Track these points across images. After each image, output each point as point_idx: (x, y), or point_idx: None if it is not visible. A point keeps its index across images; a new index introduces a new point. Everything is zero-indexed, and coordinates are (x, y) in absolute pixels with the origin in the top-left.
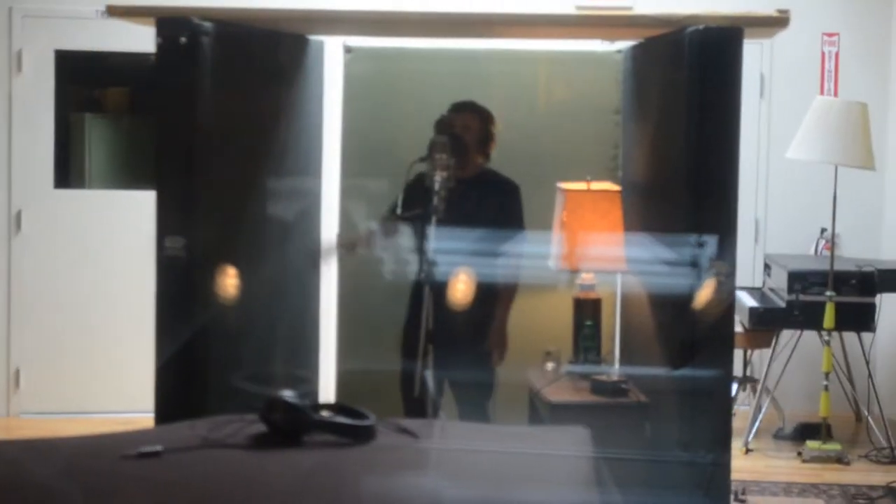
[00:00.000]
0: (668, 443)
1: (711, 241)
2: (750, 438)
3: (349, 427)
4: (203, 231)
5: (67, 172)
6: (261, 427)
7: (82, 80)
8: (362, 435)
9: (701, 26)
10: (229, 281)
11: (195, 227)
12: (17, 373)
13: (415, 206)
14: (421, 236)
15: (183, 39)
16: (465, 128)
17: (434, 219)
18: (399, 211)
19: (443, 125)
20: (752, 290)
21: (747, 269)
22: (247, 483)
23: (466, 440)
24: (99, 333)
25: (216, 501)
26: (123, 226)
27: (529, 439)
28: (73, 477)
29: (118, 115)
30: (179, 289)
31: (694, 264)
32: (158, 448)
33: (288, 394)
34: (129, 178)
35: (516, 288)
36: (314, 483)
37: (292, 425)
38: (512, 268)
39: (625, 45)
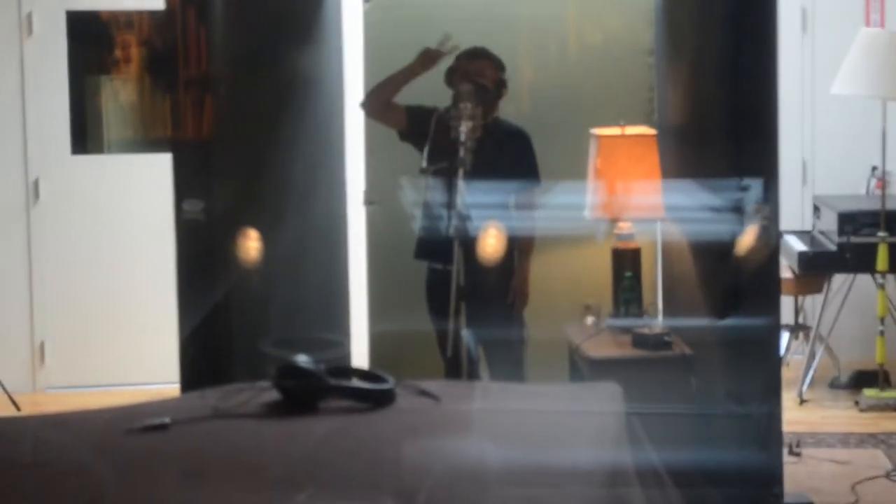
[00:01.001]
0: (715, 396)
1: (753, 184)
2: (804, 389)
3: (366, 391)
4: (222, 193)
5: (85, 138)
6: (274, 394)
7: (96, 40)
8: (381, 399)
9: None
10: (251, 244)
11: (213, 188)
12: (42, 346)
13: (441, 158)
14: (449, 190)
15: None
16: (480, 75)
17: (461, 171)
18: (424, 164)
19: (455, 74)
20: (801, 234)
21: (795, 212)
22: (259, 453)
23: (490, 401)
24: (124, 303)
25: (226, 473)
26: (145, 191)
27: (557, 397)
28: (74, 453)
29: (135, 75)
30: (200, 254)
31: (736, 209)
32: (166, 420)
33: (301, 358)
34: (148, 141)
35: (534, 239)
36: (330, 450)
37: (306, 392)
38: (529, 218)
39: None
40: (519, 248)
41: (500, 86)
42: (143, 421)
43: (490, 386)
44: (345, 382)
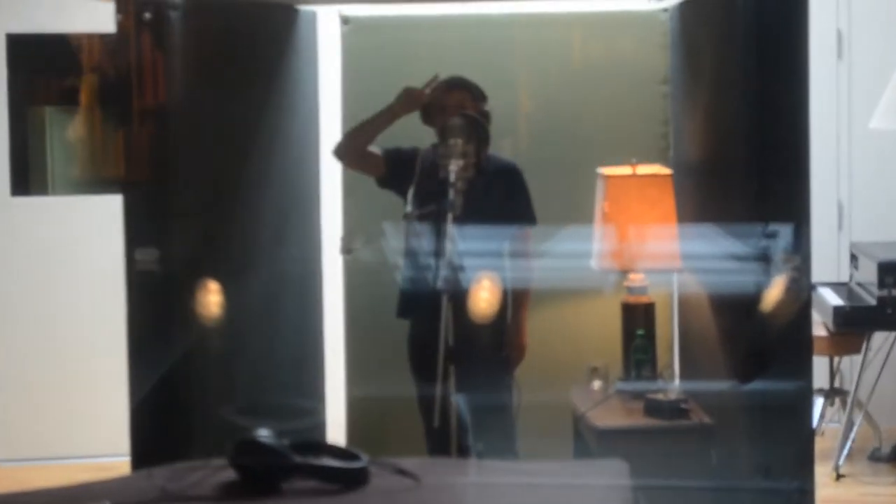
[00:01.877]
0: (738, 470)
1: (782, 230)
2: (841, 461)
3: (336, 470)
4: (179, 240)
5: (27, 177)
6: (231, 474)
7: (40, 67)
8: (352, 479)
9: None
10: (213, 297)
11: (170, 235)
12: None
13: (427, 201)
14: (437, 236)
15: (147, 15)
16: (458, 108)
17: (451, 216)
18: (409, 209)
19: (431, 108)
20: (836, 286)
21: (830, 262)
22: None
23: (475, 482)
24: (71, 365)
25: None
26: (94, 237)
27: (555, 475)
28: None
29: (83, 107)
30: (154, 308)
31: (762, 258)
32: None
33: (262, 432)
34: (98, 181)
35: (529, 289)
36: None
37: (267, 471)
38: (525, 265)
39: (672, 2)
40: (514, 298)
41: (484, 117)
42: None
43: (477, 463)
44: (312, 460)
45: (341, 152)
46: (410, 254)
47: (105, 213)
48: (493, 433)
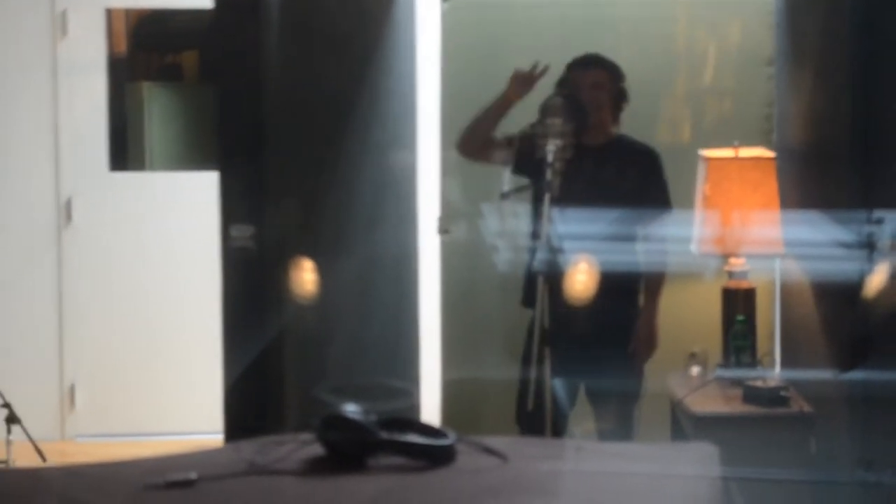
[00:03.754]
0: (838, 462)
1: (889, 217)
2: None
3: (422, 447)
4: (275, 218)
5: (125, 152)
6: (318, 449)
7: (140, 43)
8: (439, 457)
9: None
10: (307, 276)
11: (265, 213)
12: (72, 389)
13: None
14: (534, 217)
15: None
16: (596, 87)
17: (548, 196)
18: (505, 188)
19: (567, 85)
20: None
21: None
22: None
23: (563, 462)
24: (164, 342)
25: None
26: (191, 213)
27: (640, 458)
28: None
29: (183, 83)
30: (249, 286)
31: (867, 245)
32: (192, 476)
33: (350, 408)
34: (196, 157)
35: (664, 276)
36: None
37: (354, 446)
38: (658, 253)
39: None
40: (647, 286)
41: (620, 97)
42: (166, 476)
43: (564, 444)
44: (398, 437)
45: (465, 148)
46: (511, 235)
47: (202, 190)
48: (609, 420)
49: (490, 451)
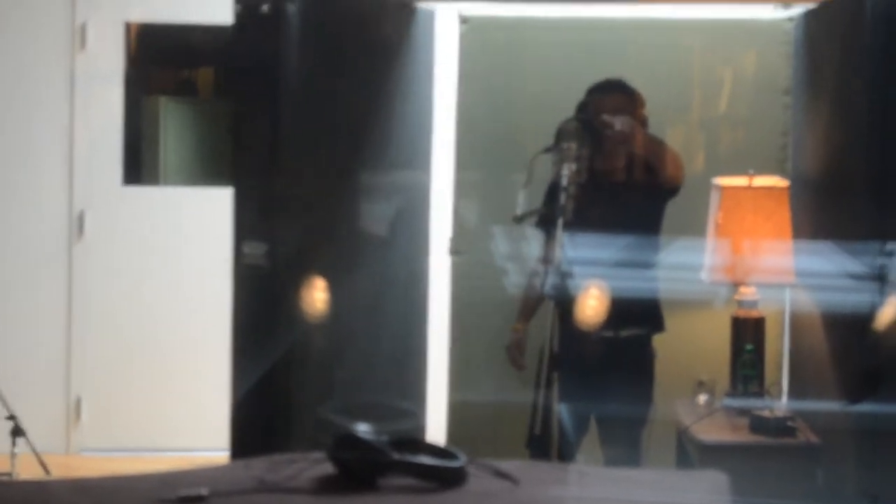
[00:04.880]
0: (843, 493)
1: None
2: None
3: (434, 469)
4: (288, 235)
5: (139, 166)
6: (329, 468)
7: (157, 57)
8: (450, 479)
9: None
10: (319, 294)
11: (279, 230)
12: (79, 403)
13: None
14: (546, 242)
15: (265, 8)
16: (617, 112)
17: (561, 221)
18: (519, 212)
19: (587, 110)
20: None
21: None
22: None
23: (575, 487)
24: (174, 356)
25: None
26: (204, 229)
27: (653, 485)
28: None
29: (199, 99)
30: (260, 303)
31: (879, 277)
32: (202, 491)
33: (362, 428)
34: (210, 172)
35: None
36: None
37: (366, 466)
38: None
39: (798, 10)
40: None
41: (642, 124)
42: (177, 491)
43: (577, 469)
44: (410, 458)
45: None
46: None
47: (216, 205)
48: (615, 445)
49: (501, 475)
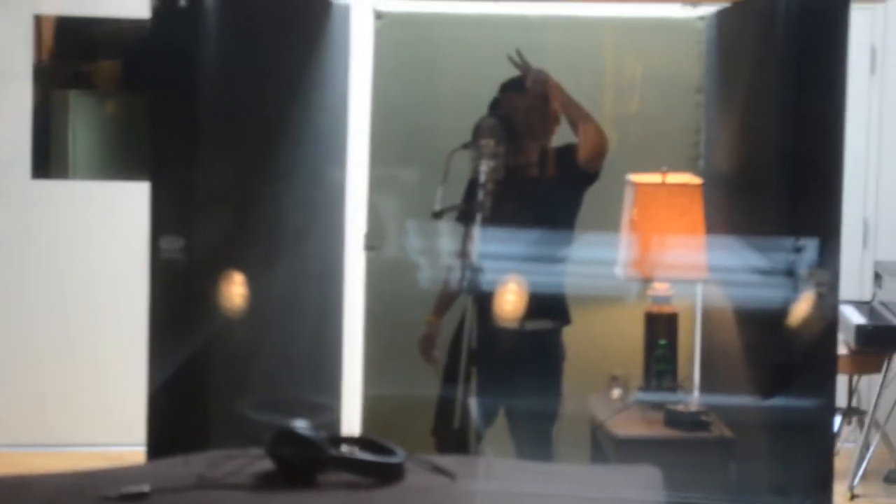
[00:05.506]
0: (756, 486)
1: (811, 246)
2: (856, 482)
3: (373, 464)
4: (205, 230)
5: (47, 160)
6: (268, 463)
7: (66, 51)
8: (388, 474)
9: None
10: (236, 289)
11: (196, 225)
12: None
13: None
14: (464, 238)
15: (182, 1)
16: (528, 108)
17: (479, 216)
18: (438, 207)
19: (499, 107)
20: (859, 305)
21: (853, 279)
22: None
23: (512, 481)
24: (83, 351)
25: None
26: (113, 223)
27: (588, 480)
28: None
29: (109, 92)
30: (177, 298)
31: (789, 273)
32: (145, 488)
33: (300, 424)
34: (119, 166)
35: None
36: None
37: (305, 462)
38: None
39: (709, 10)
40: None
41: (553, 121)
42: (119, 489)
43: (511, 464)
44: (348, 453)
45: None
46: (435, 254)
47: (125, 199)
48: (527, 440)
49: (439, 470)
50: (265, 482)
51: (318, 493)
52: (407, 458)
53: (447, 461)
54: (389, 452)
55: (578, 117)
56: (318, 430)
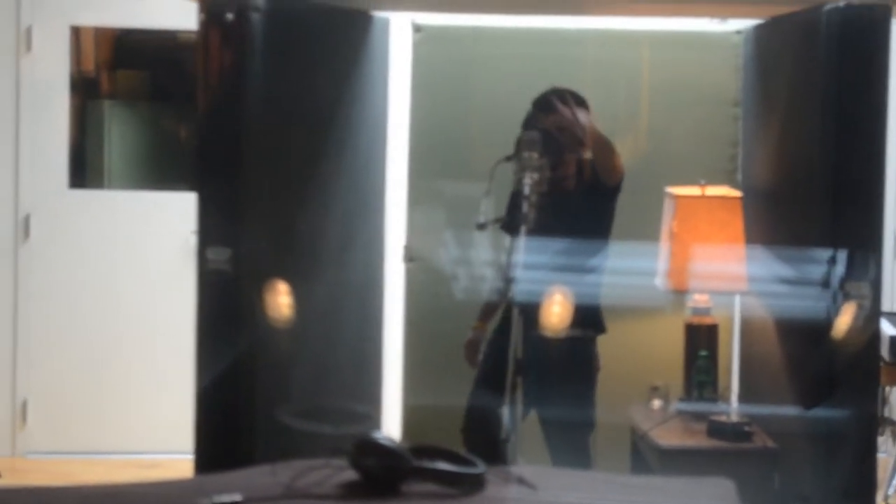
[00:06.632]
0: (799, 496)
1: (851, 258)
2: (890, 491)
3: (455, 475)
4: (251, 241)
5: (84, 170)
6: (351, 474)
7: (105, 61)
8: (470, 484)
9: (841, 3)
10: (281, 299)
11: (242, 236)
12: (24, 405)
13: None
14: (509, 249)
15: (230, 16)
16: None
17: (524, 228)
18: (482, 219)
19: (533, 123)
20: (890, 316)
21: (886, 291)
22: None
23: (592, 493)
24: (121, 360)
25: None
26: (149, 232)
27: (666, 492)
28: None
29: (145, 102)
30: (224, 307)
31: (829, 285)
32: (237, 498)
33: (381, 435)
34: (154, 176)
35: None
36: None
37: (388, 472)
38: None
39: (745, 25)
40: None
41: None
42: (211, 498)
43: (591, 475)
44: (430, 464)
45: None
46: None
47: (160, 209)
48: (564, 451)
49: (520, 481)
50: (350, 492)
51: (401, 502)
52: (488, 469)
53: (528, 471)
54: (470, 463)
55: (604, 145)
56: (400, 441)
